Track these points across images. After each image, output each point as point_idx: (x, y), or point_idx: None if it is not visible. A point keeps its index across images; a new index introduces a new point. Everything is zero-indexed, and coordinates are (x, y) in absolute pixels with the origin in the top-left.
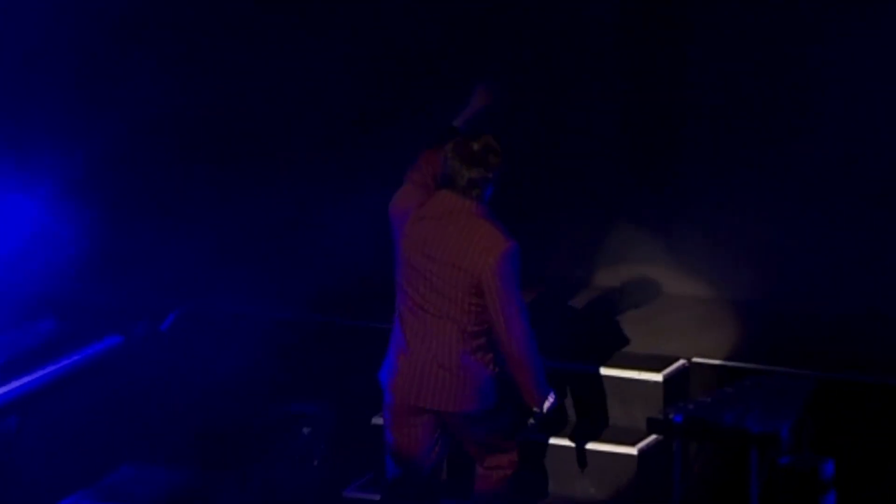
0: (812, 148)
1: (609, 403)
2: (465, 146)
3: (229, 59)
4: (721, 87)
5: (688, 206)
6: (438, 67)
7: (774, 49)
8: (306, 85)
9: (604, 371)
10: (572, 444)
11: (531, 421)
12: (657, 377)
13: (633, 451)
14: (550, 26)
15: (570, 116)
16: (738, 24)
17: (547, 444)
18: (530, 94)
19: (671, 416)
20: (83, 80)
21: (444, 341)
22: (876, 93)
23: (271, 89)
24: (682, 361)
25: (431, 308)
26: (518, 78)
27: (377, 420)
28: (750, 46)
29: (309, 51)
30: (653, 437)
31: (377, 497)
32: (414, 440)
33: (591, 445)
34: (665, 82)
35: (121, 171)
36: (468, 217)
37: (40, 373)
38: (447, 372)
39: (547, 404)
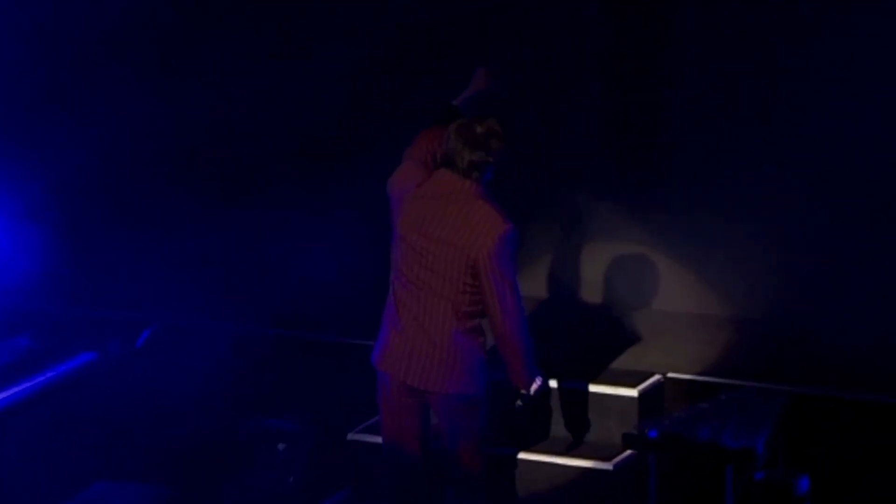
0: (800, 163)
1: (584, 418)
2: (468, 128)
3: (200, 77)
4: (720, 88)
5: (664, 222)
6: (417, 80)
7: (771, 52)
8: (278, 100)
9: (579, 386)
10: (546, 459)
11: (518, 403)
12: (632, 392)
13: (608, 466)
14: (543, 27)
15: (550, 131)
16: (737, 25)
17: (517, 459)
18: (520, 98)
19: (646, 431)
20: (54, 93)
21: (437, 319)
22: (876, 92)
23: (242, 106)
24: (657, 376)
25: (426, 286)
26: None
27: (354, 436)
28: (749, 48)
29: (285, 64)
30: (628, 452)
31: None
32: (405, 426)
33: (566, 460)
34: (657, 85)
35: (94, 186)
36: (467, 198)
37: (14, 389)
38: (438, 349)
39: (534, 386)
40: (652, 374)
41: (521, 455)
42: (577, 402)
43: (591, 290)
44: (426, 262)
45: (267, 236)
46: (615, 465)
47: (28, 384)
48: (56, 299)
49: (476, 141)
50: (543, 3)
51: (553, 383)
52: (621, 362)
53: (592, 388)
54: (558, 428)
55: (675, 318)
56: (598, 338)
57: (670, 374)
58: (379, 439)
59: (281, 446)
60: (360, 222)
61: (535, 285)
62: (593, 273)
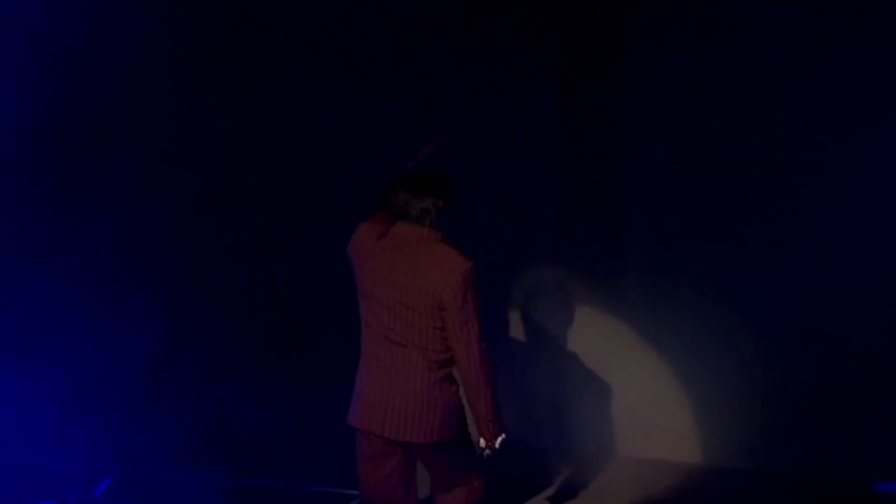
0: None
1: None
2: (411, 178)
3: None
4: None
5: (630, 360)
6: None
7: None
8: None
9: None
10: None
11: (486, 452)
12: None
13: None
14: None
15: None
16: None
17: None
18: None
19: None
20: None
21: (409, 370)
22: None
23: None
24: None
25: (397, 338)
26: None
27: None
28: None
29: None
30: None
31: None
32: (389, 475)
33: None
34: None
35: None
36: (426, 243)
37: None
38: (413, 400)
39: (500, 439)
40: None
41: None
42: None
43: (554, 433)
44: (395, 314)
45: (229, 387)
46: None
47: None
48: (13, 446)
49: (422, 188)
50: (497, 68)
51: None
52: None
53: None
54: None
55: (641, 465)
56: (562, 484)
57: None
58: None
59: None
60: (323, 366)
61: None
62: (555, 415)
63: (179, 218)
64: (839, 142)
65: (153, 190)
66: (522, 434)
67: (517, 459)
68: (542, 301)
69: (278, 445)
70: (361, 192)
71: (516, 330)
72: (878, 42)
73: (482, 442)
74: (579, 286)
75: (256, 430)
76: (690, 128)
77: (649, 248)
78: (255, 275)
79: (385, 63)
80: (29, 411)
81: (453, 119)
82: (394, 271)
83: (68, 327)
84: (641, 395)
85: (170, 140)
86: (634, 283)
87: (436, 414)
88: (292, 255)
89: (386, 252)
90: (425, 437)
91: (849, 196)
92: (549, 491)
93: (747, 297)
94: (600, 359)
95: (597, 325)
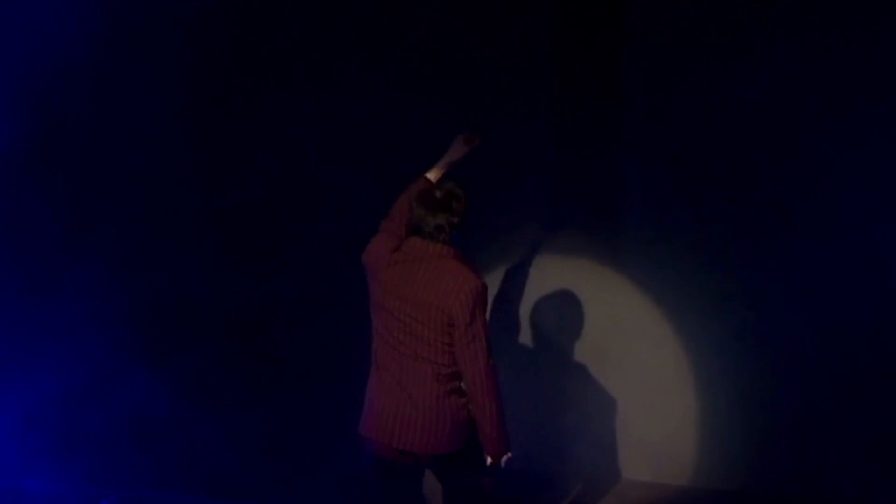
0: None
1: None
2: (428, 195)
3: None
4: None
5: (632, 382)
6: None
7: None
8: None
9: None
10: None
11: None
12: None
13: None
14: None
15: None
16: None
17: None
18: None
19: None
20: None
21: (420, 383)
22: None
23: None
24: None
25: (407, 350)
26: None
27: None
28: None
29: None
30: None
31: None
32: (398, 485)
33: None
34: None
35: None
36: (438, 259)
37: None
38: (422, 412)
39: (504, 458)
40: None
41: None
42: None
43: (556, 456)
44: (405, 326)
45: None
46: None
47: None
48: (12, 471)
49: (437, 205)
50: (496, 53)
51: None
52: None
53: None
54: None
55: (641, 488)
56: None
57: None
58: None
59: None
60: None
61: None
62: (558, 438)
63: (169, 237)
64: (842, 132)
65: (139, 217)
66: (525, 454)
67: (519, 481)
68: (541, 309)
69: (271, 467)
70: (352, 214)
71: (517, 339)
72: (880, 40)
73: (487, 460)
74: (579, 289)
75: (247, 453)
76: (688, 123)
77: (649, 252)
78: (239, 301)
79: (381, 64)
80: (9, 431)
81: (452, 117)
82: (405, 284)
83: (50, 349)
84: (642, 416)
85: (145, 174)
86: (635, 288)
87: (445, 425)
88: (279, 280)
89: (399, 265)
90: (435, 448)
91: (849, 191)
92: None
93: (750, 322)
94: (600, 371)
95: (596, 334)
